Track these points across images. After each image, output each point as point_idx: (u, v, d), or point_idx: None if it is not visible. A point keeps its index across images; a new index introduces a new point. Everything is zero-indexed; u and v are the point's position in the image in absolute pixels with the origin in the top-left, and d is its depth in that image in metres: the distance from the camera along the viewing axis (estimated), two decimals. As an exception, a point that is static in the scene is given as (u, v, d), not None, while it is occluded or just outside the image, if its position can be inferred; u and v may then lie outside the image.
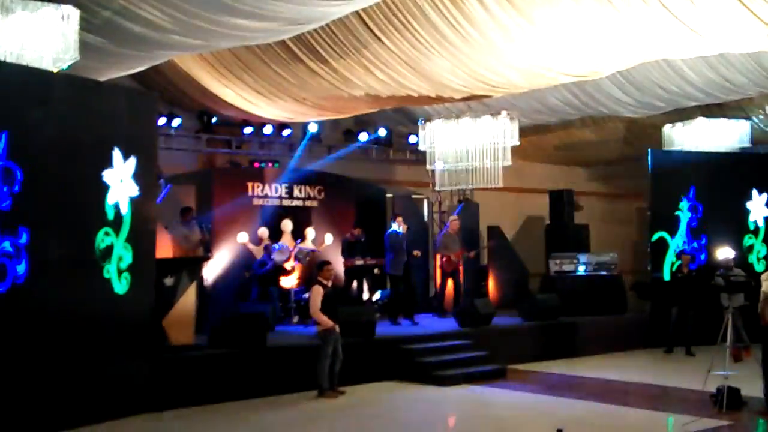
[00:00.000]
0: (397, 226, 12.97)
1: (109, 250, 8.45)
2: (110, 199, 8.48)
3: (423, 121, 14.09)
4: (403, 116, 14.93)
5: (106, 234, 8.43)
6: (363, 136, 15.23)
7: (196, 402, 9.08)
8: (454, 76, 10.91)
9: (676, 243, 14.36)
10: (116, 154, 8.56)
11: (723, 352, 9.01)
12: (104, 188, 8.42)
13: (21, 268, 7.53)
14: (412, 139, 15.19)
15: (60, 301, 7.93)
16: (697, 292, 12.91)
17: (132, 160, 8.74)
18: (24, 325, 7.60)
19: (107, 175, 8.46)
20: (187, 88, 12.58)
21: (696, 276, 13.36)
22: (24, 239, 7.56)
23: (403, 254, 12.95)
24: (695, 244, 14.45)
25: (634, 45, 9.67)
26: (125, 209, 8.64)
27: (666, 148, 15.13)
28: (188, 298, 9.77)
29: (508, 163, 13.40)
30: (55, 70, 7.83)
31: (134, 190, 8.75)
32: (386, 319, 12.83)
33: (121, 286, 8.58)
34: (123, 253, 8.61)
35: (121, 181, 8.60)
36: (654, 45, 9.63)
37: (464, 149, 13.69)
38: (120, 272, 8.58)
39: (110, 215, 8.48)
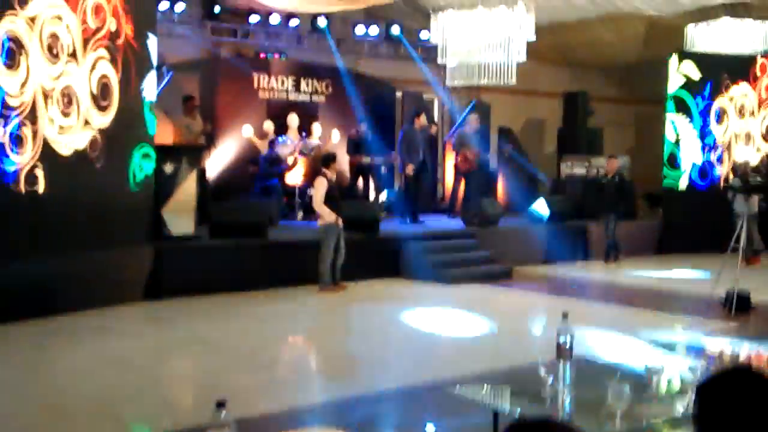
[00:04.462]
0: (417, 124, 12.56)
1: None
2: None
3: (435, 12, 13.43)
4: (415, 10, 14.31)
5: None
6: (373, 30, 14.68)
7: (194, 292, 8.94)
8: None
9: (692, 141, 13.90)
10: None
11: (734, 256, 8.78)
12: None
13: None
14: (424, 35, 14.62)
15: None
16: (619, 199, 12.48)
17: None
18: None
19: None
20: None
21: (618, 182, 12.68)
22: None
23: (419, 153, 12.54)
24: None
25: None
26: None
27: (687, 50, 14.54)
28: (188, 187, 9.51)
29: (523, 58, 12.81)
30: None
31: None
32: (392, 218, 12.62)
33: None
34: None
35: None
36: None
37: (477, 43, 13.07)
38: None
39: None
